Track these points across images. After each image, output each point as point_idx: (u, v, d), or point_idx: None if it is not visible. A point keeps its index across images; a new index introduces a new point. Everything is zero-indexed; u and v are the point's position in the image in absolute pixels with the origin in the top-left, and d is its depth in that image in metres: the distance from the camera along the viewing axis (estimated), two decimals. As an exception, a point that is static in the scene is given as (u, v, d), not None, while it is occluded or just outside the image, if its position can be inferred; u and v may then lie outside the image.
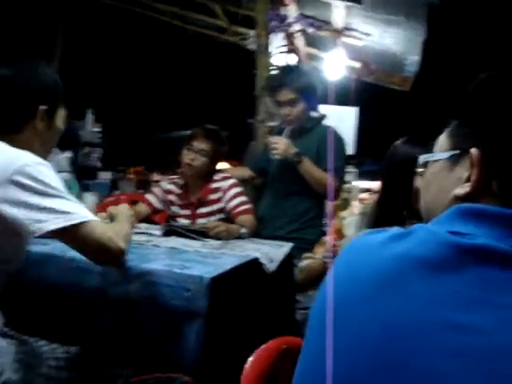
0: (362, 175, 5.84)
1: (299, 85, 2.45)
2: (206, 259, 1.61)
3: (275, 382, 0.83)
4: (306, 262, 2.00)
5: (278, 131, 2.52)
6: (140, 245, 1.78)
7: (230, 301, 1.47)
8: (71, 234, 1.19)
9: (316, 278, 1.92)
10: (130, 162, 6.67)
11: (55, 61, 6.19)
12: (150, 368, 1.25)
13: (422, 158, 0.73)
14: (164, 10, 5.46)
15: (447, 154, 0.68)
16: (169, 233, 2.13)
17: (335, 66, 5.40)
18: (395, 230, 0.64)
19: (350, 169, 5.06)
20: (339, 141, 2.52)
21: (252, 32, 3.21)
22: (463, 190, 0.65)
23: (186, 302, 1.31)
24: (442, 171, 0.69)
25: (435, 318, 0.53)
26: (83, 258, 1.26)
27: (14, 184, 1.14)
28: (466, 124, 0.67)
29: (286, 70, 2.70)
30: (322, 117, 2.63)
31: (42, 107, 1.33)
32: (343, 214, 4.42)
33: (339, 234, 2.72)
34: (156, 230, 2.18)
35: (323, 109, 2.73)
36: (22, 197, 1.14)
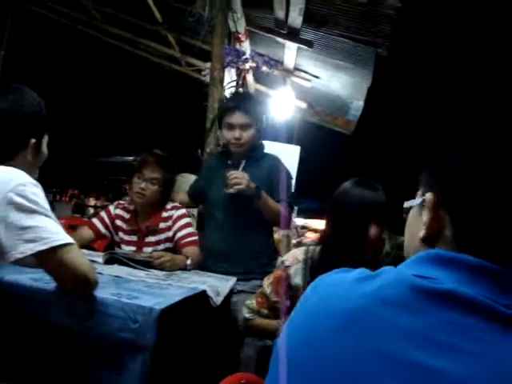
0: (300, 213, 5.94)
1: (253, 110, 2.45)
2: (152, 290, 1.56)
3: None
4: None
5: (233, 165, 2.49)
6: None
7: (178, 334, 1.43)
8: (54, 257, 1.23)
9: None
10: (66, 184, 6.45)
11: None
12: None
13: (405, 204, 0.77)
14: (117, 33, 5.42)
15: (418, 201, 0.71)
16: (111, 261, 2.06)
17: (282, 104, 5.53)
18: (364, 270, 0.66)
19: (291, 206, 5.14)
20: (288, 173, 2.55)
21: (207, 64, 3.23)
22: (421, 232, 0.68)
23: (133, 334, 1.26)
24: (415, 216, 0.73)
25: (401, 356, 0.55)
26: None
27: (9, 202, 1.19)
28: (429, 174, 0.72)
29: (242, 94, 2.71)
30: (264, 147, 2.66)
31: (33, 140, 1.40)
32: (285, 257, 4.46)
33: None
34: (98, 257, 2.10)
35: (267, 144, 2.76)
36: (15, 216, 1.19)
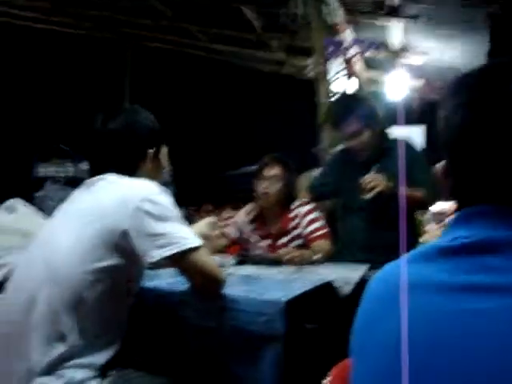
0: None
1: (359, 114, 2.37)
2: (280, 285, 1.61)
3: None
4: None
5: (344, 158, 2.46)
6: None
7: (306, 323, 1.46)
8: (186, 259, 1.33)
9: None
10: (201, 201, 6.84)
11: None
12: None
13: None
14: (221, 49, 5.67)
15: None
16: (242, 262, 2.16)
17: (397, 87, 5.34)
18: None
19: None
20: (419, 152, 2.45)
21: (309, 60, 3.25)
22: None
23: (262, 327, 1.31)
24: None
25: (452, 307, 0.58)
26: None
27: (141, 211, 1.30)
28: None
29: (343, 102, 2.59)
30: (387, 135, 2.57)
31: (150, 150, 1.51)
32: (424, 237, 4.28)
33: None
34: (229, 260, 2.22)
35: (389, 130, 2.67)
36: (146, 223, 1.29)
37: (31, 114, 6.51)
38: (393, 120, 2.63)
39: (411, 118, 5.93)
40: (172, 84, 6.73)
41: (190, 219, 6.64)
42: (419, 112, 6.05)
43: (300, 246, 2.44)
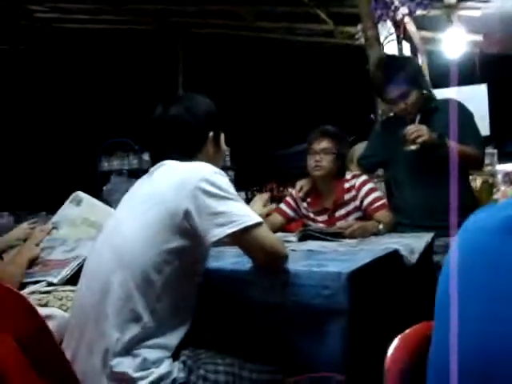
0: (503, 157, 5.26)
1: (404, 76, 2.30)
2: (343, 256, 1.60)
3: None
4: None
5: (393, 122, 2.39)
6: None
7: (371, 295, 1.44)
8: (246, 236, 1.35)
9: None
10: (262, 181, 6.86)
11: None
12: (298, 369, 1.26)
13: None
14: (270, 27, 5.61)
15: None
16: (304, 238, 2.16)
17: (455, 44, 5.06)
18: None
19: (490, 150, 4.66)
20: (469, 112, 2.38)
21: (358, 27, 3.14)
22: None
23: (326, 301, 1.31)
24: None
25: None
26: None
27: (200, 190, 1.33)
28: None
29: (386, 66, 2.45)
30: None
31: (210, 133, 1.54)
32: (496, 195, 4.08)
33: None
34: (292, 237, 2.22)
35: (447, 92, 2.56)
36: (205, 202, 1.32)
37: (93, 110, 6.76)
38: (452, 80, 2.52)
39: (473, 77, 5.62)
40: (224, 67, 6.76)
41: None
42: (481, 69, 5.73)
43: (359, 219, 2.41)
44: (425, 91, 2.42)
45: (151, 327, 1.29)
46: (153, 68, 6.74)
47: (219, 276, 1.52)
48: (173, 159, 1.47)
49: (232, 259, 1.59)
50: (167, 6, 5.64)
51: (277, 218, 2.66)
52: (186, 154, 1.49)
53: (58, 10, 5.91)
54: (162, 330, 1.31)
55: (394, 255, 1.69)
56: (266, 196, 1.70)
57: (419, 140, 2.17)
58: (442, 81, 4.46)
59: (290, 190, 6.73)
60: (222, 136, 1.64)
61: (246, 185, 6.94)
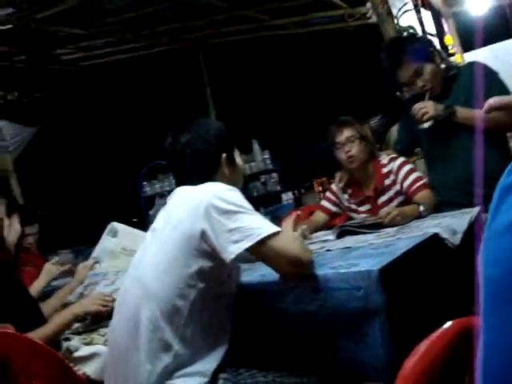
0: None
1: (412, 52, 2.20)
2: (378, 250, 1.50)
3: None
4: None
5: (414, 101, 2.26)
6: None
7: (411, 287, 1.34)
8: (264, 248, 1.31)
9: None
10: (309, 178, 6.76)
11: (211, 113, 6.73)
12: (343, 376, 1.19)
13: None
14: (284, 23, 5.53)
15: None
16: (343, 233, 2.06)
17: (480, 0, 4.78)
18: None
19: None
20: (492, 71, 2.20)
21: (368, 4, 3.01)
22: None
23: (361, 302, 1.23)
24: None
25: None
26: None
27: (212, 207, 1.31)
28: None
29: (391, 48, 2.36)
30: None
31: (223, 155, 1.55)
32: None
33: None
34: (330, 235, 2.14)
35: (480, 53, 2.41)
36: (219, 219, 1.30)
37: (130, 138, 6.91)
38: (480, 39, 2.37)
39: (508, 31, 5.31)
40: (247, 71, 6.73)
41: (302, 199, 6.59)
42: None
43: (403, 203, 2.30)
44: (440, 61, 2.28)
45: (183, 354, 1.28)
46: (180, 86, 6.81)
47: (249, 291, 1.48)
48: (192, 185, 1.47)
49: (261, 271, 1.53)
50: (180, 24, 5.68)
51: (320, 216, 2.60)
52: (204, 178, 1.48)
53: (82, 49, 6.10)
54: (195, 357, 1.29)
55: (434, 240, 1.57)
56: (290, 221, 1.64)
57: (425, 117, 2.12)
58: (473, 42, 4.23)
59: (320, 188, 6.63)
60: (237, 154, 1.64)
61: (293, 184, 6.86)
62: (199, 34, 6.11)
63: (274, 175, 6.87)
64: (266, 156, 6.75)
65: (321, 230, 2.46)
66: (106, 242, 2.42)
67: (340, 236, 2.05)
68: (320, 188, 6.86)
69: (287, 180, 6.90)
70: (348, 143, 2.36)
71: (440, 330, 0.74)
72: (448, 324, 0.76)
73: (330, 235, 2.16)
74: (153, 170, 6.19)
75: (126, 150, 6.82)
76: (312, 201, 6.47)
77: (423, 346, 0.71)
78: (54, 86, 6.66)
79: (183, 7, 5.20)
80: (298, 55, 6.36)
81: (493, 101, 0.71)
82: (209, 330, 1.34)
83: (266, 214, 4.66)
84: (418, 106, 2.15)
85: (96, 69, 6.64)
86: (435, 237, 1.58)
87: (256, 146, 6.66)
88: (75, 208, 6.63)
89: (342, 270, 1.30)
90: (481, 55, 4.49)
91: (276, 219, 3.33)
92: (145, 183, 6.21)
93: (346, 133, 2.37)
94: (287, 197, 6.59)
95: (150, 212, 5.53)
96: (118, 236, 2.39)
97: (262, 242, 1.29)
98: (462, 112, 2.12)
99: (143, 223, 4.85)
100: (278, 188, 6.82)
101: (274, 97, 6.78)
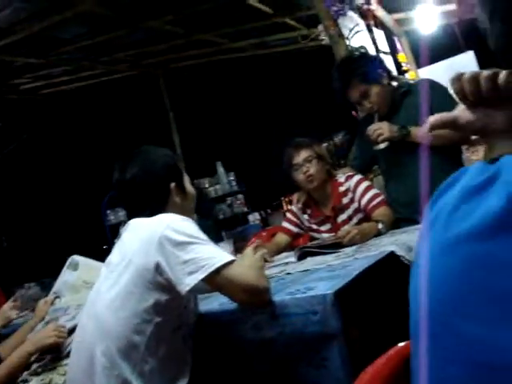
0: None
1: (359, 74, 2.24)
2: (334, 272, 1.51)
3: None
4: None
5: (369, 119, 2.31)
6: (271, 278, 1.74)
7: (368, 308, 1.34)
8: (219, 278, 1.29)
9: None
10: (276, 198, 6.76)
11: (175, 137, 6.72)
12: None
13: None
14: (242, 46, 5.61)
15: None
16: (304, 255, 2.07)
17: (429, 19, 4.96)
18: None
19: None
20: (440, 86, 2.23)
21: (320, 27, 3.08)
22: None
23: (318, 326, 1.23)
24: None
25: None
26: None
27: (165, 239, 1.31)
28: None
29: (338, 70, 2.39)
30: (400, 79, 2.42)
31: (172, 184, 1.53)
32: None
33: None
34: (292, 257, 2.14)
35: (434, 69, 2.48)
36: (173, 251, 1.29)
37: (92, 166, 6.83)
38: (435, 55, 2.44)
39: (458, 46, 5.51)
40: (209, 94, 6.77)
41: (269, 219, 6.58)
42: (465, 37, 5.61)
43: (363, 220, 2.33)
44: (387, 81, 2.33)
45: None
46: (142, 112, 6.80)
47: (209, 320, 1.46)
48: (144, 216, 1.45)
49: (219, 300, 1.52)
50: (139, 50, 5.69)
51: (282, 238, 2.61)
52: (155, 210, 1.47)
53: (41, 77, 6.02)
54: None
55: (390, 258, 1.59)
56: (251, 247, 1.63)
57: (380, 138, 2.15)
58: (426, 58, 4.37)
59: (288, 206, 6.67)
60: (187, 179, 1.62)
61: (260, 205, 6.86)
62: (159, 59, 6.12)
63: (240, 197, 6.88)
64: (231, 178, 6.77)
65: (283, 252, 2.47)
66: (66, 276, 2.36)
67: (301, 257, 2.06)
68: (288, 206, 6.89)
69: (254, 201, 6.91)
70: (306, 163, 2.38)
71: (384, 356, 0.75)
72: (392, 349, 0.77)
73: (291, 257, 2.16)
74: (116, 198, 6.09)
75: (90, 178, 6.72)
76: (279, 221, 6.48)
77: (367, 375, 0.71)
78: (12, 115, 6.55)
79: (140, 33, 5.22)
80: (258, 77, 6.45)
81: (433, 119, 0.73)
82: (168, 363, 1.32)
83: (232, 236, 4.64)
84: (372, 127, 2.19)
85: (56, 97, 6.58)
86: (391, 254, 1.61)
87: (220, 169, 6.68)
88: (41, 239, 6.48)
89: (299, 295, 1.30)
90: (435, 71, 4.64)
91: (243, 241, 3.32)
92: (108, 211, 6.11)
93: (303, 154, 2.39)
94: (254, 217, 6.60)
95: (116, 241, 5.42)
96: (78, 269, 2.34)
97: (217, 271, 1.28)
98: (415, 131, 2.16)
99: (109, 252, 4.74)
100: (245, 209, 6.83)
101: (237, 118, 6.84)
